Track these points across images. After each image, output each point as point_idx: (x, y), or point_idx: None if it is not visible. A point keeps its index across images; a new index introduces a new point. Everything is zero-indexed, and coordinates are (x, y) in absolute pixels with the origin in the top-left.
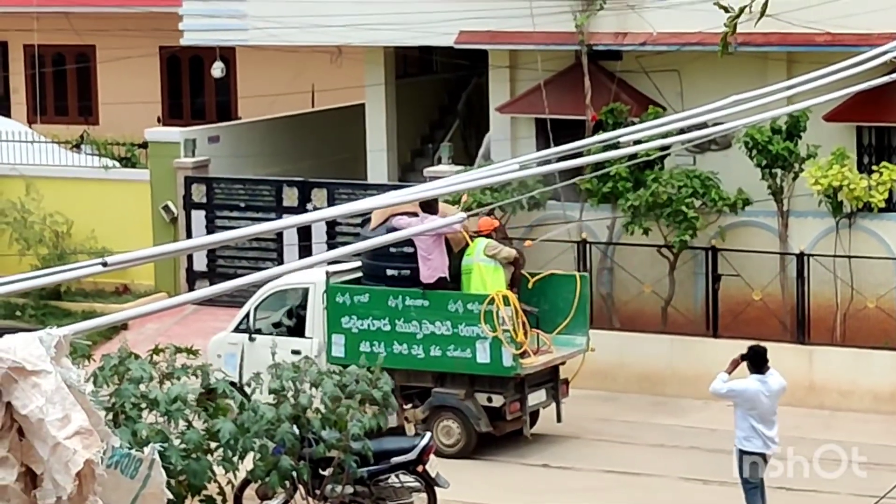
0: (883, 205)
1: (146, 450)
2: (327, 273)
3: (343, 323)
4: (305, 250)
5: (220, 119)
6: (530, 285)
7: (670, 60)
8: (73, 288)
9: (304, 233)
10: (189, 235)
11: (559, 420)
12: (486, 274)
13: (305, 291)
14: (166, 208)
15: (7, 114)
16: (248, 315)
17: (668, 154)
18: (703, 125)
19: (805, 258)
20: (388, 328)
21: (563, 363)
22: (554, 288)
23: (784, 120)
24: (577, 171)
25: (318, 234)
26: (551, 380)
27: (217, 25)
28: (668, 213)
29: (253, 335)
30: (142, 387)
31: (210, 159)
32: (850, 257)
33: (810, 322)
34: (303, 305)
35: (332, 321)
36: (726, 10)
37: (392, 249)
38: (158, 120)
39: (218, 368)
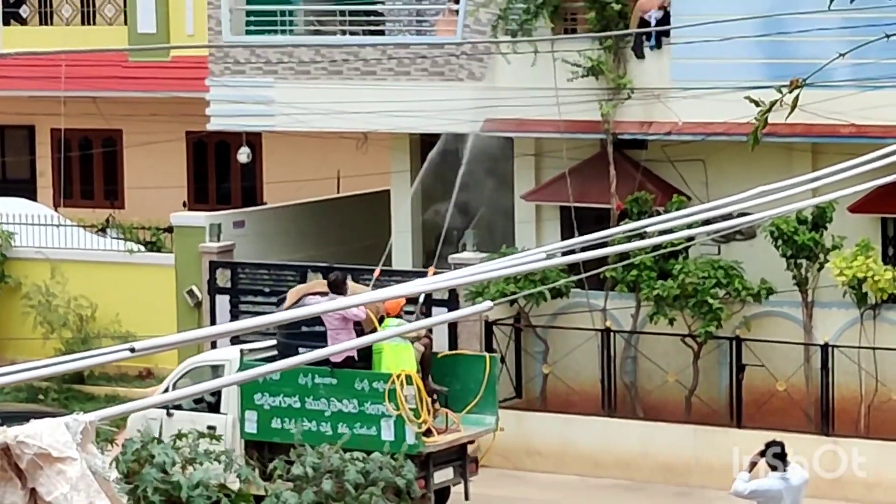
0: None
1: None
2: (241, 350)
3: (256, 399)
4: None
5: (245, 204)
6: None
7: (695, 150)
8: (96, 372)
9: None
10: (213, 320)
11: (467, 498)
12: (396, 353)
13: (221, 368)
14: (191, 293)
15: (33, 197)
16: (167, 390)
17: (694, 244)
18: (729, 216)
19: (829, 349)
20: (298, 405)
21: (471, 442)
22: (464, 368)
23: (810, 210)
24: (602, 259)
25: None
26: (459, 458)
27: (243, 111)
28: (692, 304)
29: (171, 410)
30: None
31: (235, 244)
32: (874, 349)
33: (835, 413)
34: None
35: (245, 398)
36: (757, 103)
37: (304, 328)
38: (184, 204)
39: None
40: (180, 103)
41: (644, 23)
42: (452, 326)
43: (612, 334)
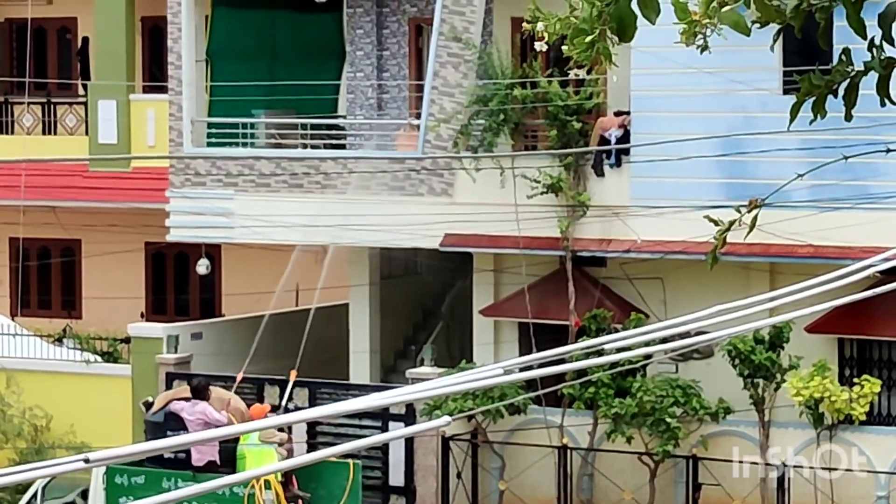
0: (864, 417)
1: None
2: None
3: (121, 503)
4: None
5: (203, 315)
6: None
7: (654, 268)
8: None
9: (286, 430)
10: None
11: None
12: (259, 458)
13: (89, 471)
14: (147, 404)
15: None
16: (36, 495)
17: (651, 362)
18: (687, 334)
19: (786, 469)
20: None
21: None
22: (328, 473)
23: (767, 330)
24: (560, 376)
25: (299, 434)
26: None
27: (203, 223)
28: (650, 422)
29: None
30: None
31: (192, 356)
32: (830, 469)
33: None
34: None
35: (111, 501)
36: (716, 222)
37: (170, 433)
38: (142, 315)
39: None
40: (140, 214)
41: (604, 141)
42: (409, 441)
43: (569, 451)
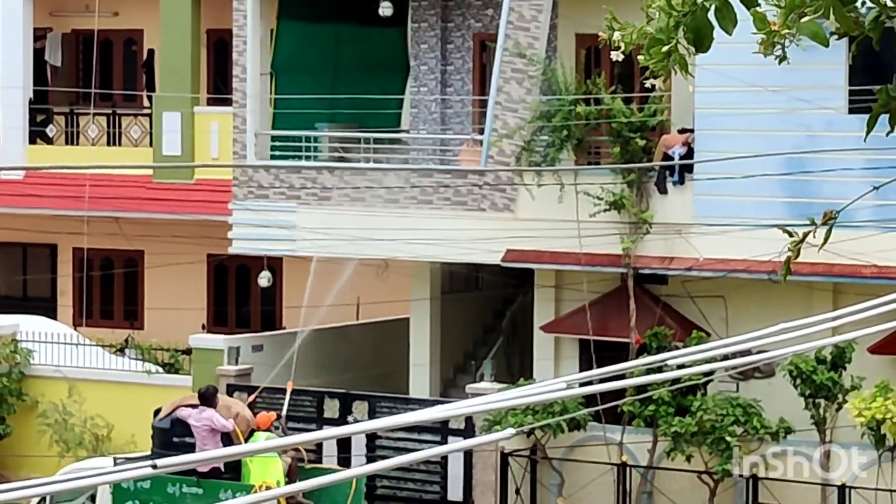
0: None
1: None
2: (115, 459)
3: None
4: (344, 462)
5: (264, 328)
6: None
7: (716, 286)
8: None
9: (344, 445)
10: None
11: None
12: (263, 465)
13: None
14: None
15: (53, 316)
16: (43, 499)
17: (712, 380)
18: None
19: (847, 490)
20: None
21: None
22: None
23: (829, 350)
24: (620, 393)
25: (358, 447)
26: None
27: (265, 235)
28: (710, 441)
29: None
30: None
31: (253, 367)
32: (892, 491)
33: None
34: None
35: None
36: (790, 234)
37: (175, 440)
38: (203, 327)
39: None
40: (203, 226)
41: (668, 158)
42: (468, 457)
43: (628, 469)
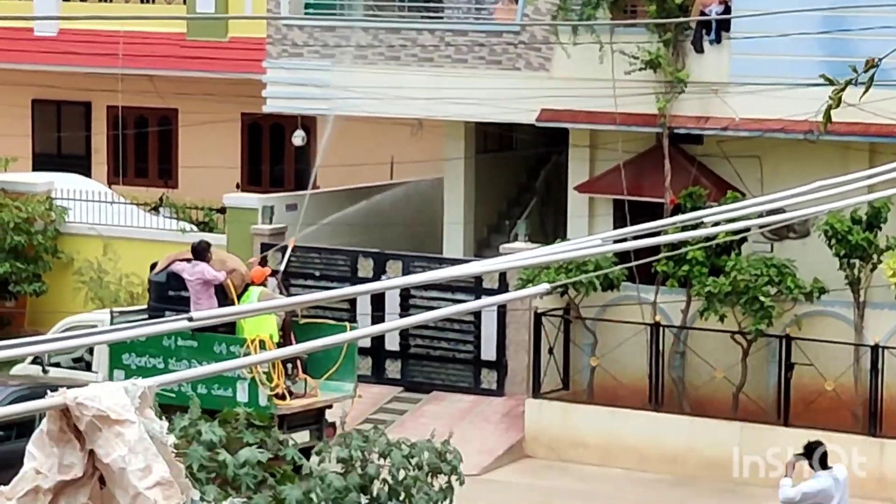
0: None
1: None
2: (112, 312)
3: (123, 360)
4: (379, 320)
5: (298, 187)
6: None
7: (752, 146)
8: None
9: (378, 303)
10: None
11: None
12: (257, 318)
13: (94, 328)
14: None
15: (88, 174)
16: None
17: (746, 240)
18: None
19: (880, 350)
20: (161, 365)
21: (329, 407)
22: (325, 336)
23: (864, 210)
24: (653, 253)
25: (392, 304)
26: (316, 422)
27: (300, 94)
28: (744, 301)
29: (46, 368)
30: None
31: (287, 227)
32: None
33: (883, 414)
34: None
35: (113, 358)
36: (832, 82)
37: (171, 293)
38: (237, 186)
39: None
40: (236, 84)
41: (704, 16)
42: (501, 316)
43: (661, 329)
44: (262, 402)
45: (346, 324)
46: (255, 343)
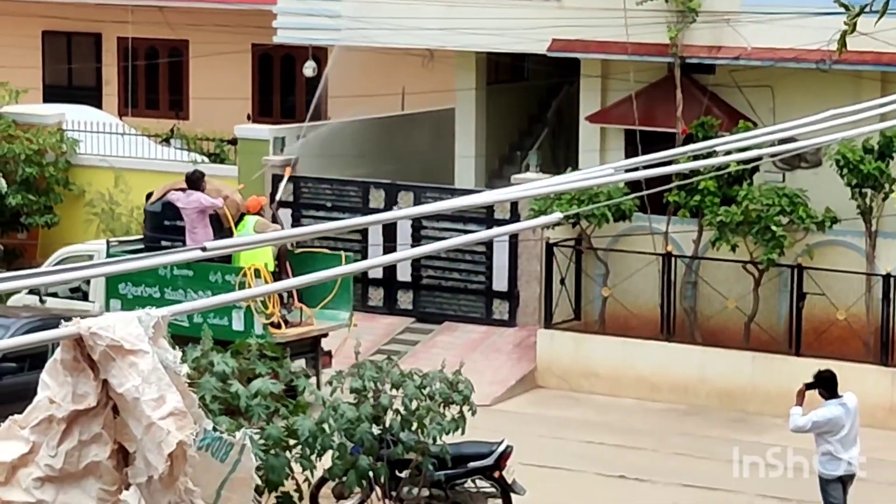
0: None
1: (237, 434)
2: (108, 242)
3: (120, 289)
4: (389, 251)
5: (310, 118)
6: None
7: (764, 76)
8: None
9: (390, 233)
10: None
11: (318, 388)
12: (253, 249)
13: (91, 258)
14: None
15: (99, 105)
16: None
17: (757, 170)
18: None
19: (891, 279)
20: (157, 295)
21: (324, 335)
22: (321, 265)
23: (876, 140)
24: (665, 183)
25: (403, 235)
26: (312, 351)
27: (310, 24)
28: (755, 230)
29: (43, 297)
30: None
31: (298, 158)
32: None
33: (894, 344)
34: None
35: (110, 287)
36: (847, 7)
37: (166, 223)
38: (248, 117)
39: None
40: (247, 15)
41: None
42: (513, 247)
43: (673, 259)
44: (258, 330)
45: (342, 253)
46: (251, 271)
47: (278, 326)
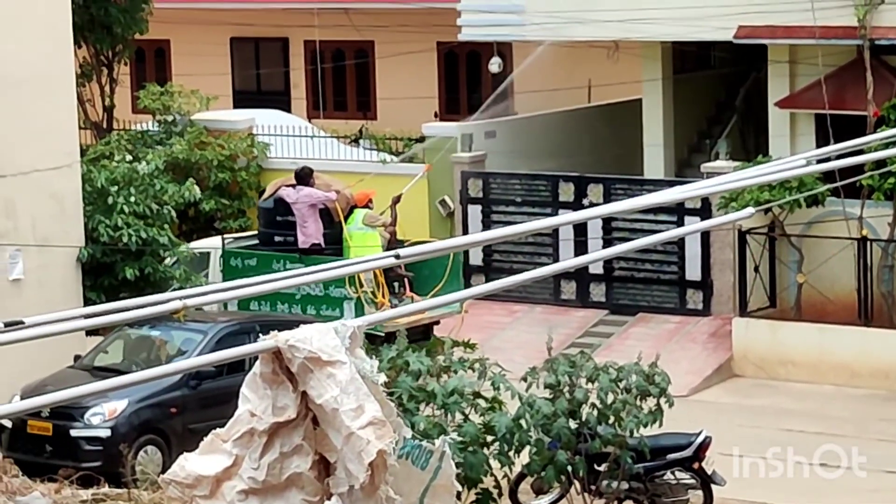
0: None
1: (437, 441)
2: (223, 238)
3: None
4: (581, 246)
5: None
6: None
7: None
8: None
9: (580, 228)
10: (465, 230)
11: None
12: (363, 241)
13: (208, 255)
14: (443, 202)
15: (287, 108)
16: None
17: None
18: None
19: None
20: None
21: (436, 323)
22: (432, 259)
23: None
24: (859, 167)
25: (594, 230)
26: (424, 339)
27: (494, 21)
28: None
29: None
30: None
31: (486, 154)
32: None
33: None
34: (206, 267)
35: (226, 281)
36: None
37: (279, 218)
38: (435, 115)
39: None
40: (431, 14)
41: None
42: (705, 236)
43: (868, 243)
44: None
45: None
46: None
47: None
